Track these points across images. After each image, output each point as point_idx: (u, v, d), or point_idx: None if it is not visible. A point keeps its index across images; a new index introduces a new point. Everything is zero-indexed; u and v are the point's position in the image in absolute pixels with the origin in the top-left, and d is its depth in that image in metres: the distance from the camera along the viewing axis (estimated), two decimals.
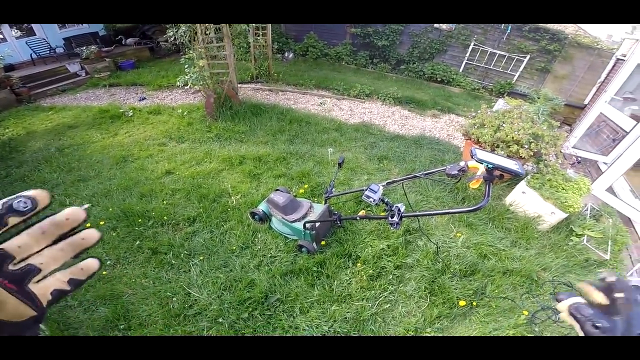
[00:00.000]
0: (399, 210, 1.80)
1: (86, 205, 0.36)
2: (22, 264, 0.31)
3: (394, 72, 9.25)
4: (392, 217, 1.79)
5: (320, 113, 6.22)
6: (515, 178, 3.95)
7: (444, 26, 8.39)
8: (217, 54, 5.16)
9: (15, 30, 8.58)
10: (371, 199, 1.88)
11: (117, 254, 2.94)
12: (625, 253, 3.35)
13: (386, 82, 8.05)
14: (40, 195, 0.33)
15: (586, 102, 7.17)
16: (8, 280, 0.29)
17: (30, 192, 0.33)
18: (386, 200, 1.93)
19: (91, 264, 0.37)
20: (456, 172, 1.66)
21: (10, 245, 0.31)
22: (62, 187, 3.99)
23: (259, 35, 7.14)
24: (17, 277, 0.30)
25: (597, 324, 0.41)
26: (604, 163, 4.80)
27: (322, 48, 9.70)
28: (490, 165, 1.52)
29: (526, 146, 3.65)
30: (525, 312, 2.49)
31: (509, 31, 7.73)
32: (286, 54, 9.60)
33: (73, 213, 0.34)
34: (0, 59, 6.01)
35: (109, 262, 2.87)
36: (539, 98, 4.88)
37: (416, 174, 2.05)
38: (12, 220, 0.31)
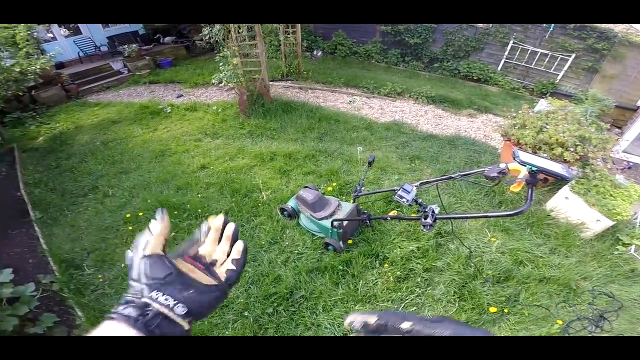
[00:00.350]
0: (432, 212, 1.75)
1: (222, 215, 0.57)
2: (209, 260, 0.52)
3: (427, 70, 9.00)
4: (425, 219, 1.74)
5: (350, 111, 6.20)
6: (558, 182, 3.73)
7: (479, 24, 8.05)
8: (250, 52, 5.28)
9: (64, 30, 9.16)
10: (404, 199, 1.83)
11: None
12: None
13: (419, 81, 7.86)
14: (210, 219, 0.56)
15: (639, 104, 6.62)
16: (202, 265, 0.50)
17: (207, 221, 0.56)
18: (420, 201, 1.88)
19: (239, 245, 0.55)
20: (495, 175, 1.57)
21: (202, 251, 0.52)
22: (106, 178, 4.27)
23: (289, 34, 7.21)
24: (205, 265, 0.50)
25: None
26: None
27: (350, 46, 9.62)
28: (534, 168, 1.43)
29: (572, 149, 3.44)
30: (560, 322, 2.38)
31: (551, 29, 7.27)
32: (315, 52, 9.63)
33: (219, 219, 0.55)
34: (52, 57, 6.47)
35: None
36: (586, 99, 4.54)
37: (452, 175, 1.97)
38: (203, 239, 0.54)
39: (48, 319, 2.31)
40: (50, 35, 8.94)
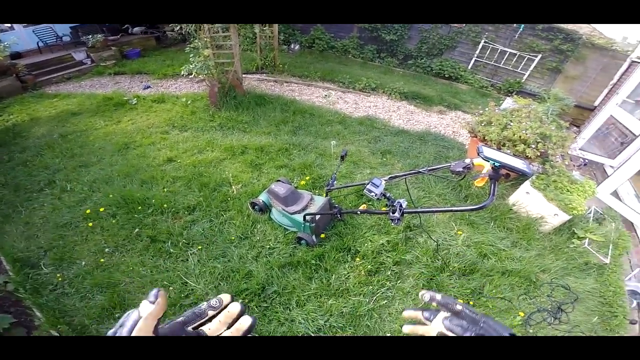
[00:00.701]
0: (400, 206, 1.76)
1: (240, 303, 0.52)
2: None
3: (401, 66, 9.13)
4: (393, 213, 1.75)
5: (325, 105, 6.17)
6: (521, 178, 3.90)
7: None
8: (223, 43, 5.12)
9: None
10: (373, 193, 1.84)
11: (116, 241, 2.94)
12: (625, 258, 3.33)
13: (393, 77, 7.96)
14: (225, 297, 0.52)
15: (596, 103, 7.06)
16: None
17: (220, 295, 0.52)
18: (388, 195, 1.88)
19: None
20: (461, 169, 1.61)
21: (205, 328, 0.49)
22: (64, 172, 3.99)
23: (265, 26, 7.05)
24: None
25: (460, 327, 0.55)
26: (611, 166, 4.72)
27: (328, 40, 9.58)
28: (497, 164, 1.47)
29: (533, 146, 3.58)
30: (522, 314, 2.49)
31: (521, 29, 7.59)
32: (292, 46, 9.51)
33: (236, 306, 0.51)
34: (6, 46, 5.99)
35: (107, 250, 2.86)
36: (549, 98, 4.77)
37: (420, 170, 2.00)
38: (210, 313, 0.50)
39: (4, 320, 2.16)
40: (8, 25, 8.28)
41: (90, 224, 3.09)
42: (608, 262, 3.09)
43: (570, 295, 2.73)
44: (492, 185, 1.51)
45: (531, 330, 2.45)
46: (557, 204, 3.23)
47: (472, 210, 1.56)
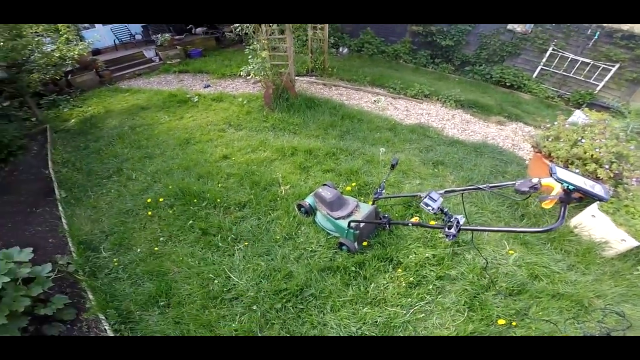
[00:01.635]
0: (457, 222, 1.69)
1: None
2: None
3: (457, 73, 8.73)
4: (449, 229, 1.69)
5: (374, 111, 6.10)
6: (587, 199, 3.54)
7: (518, 28, 7.71)
8: (278, 45, 5.29)
9: None
10: (430, 207, 1.78)
11: (171, 231, 3.16)
12: None
13: (448, 84, 7.64)
14: None
15: None
16: None
17: None
18: (445, 210, 1.82)
19: None
20: (527, 189, 1.50)
21: None
22: (131, 162, 4.41)
23: (317, 29, 7.17)
24: None
25: None
26: None
27: (378, 45, 9.46)
28: (571, 187, 1.35)
29: (606, 166, 3.26)
30: None
31: (596, 36, 6.86)
32: (340, 49, 9.54)
33: None
34: (90, 43, 6.76)
35: (161, 239, 3.08)
36: (629, 112, 4.26)
37: (479, 186, 1.89)
38: None
39: (59, 301, 2.33)
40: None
41: (150, 213, 3.38)
42: None
43: (623, 322, 2.44)
44: (562, 208, 1.41)
45: None
46: (626, 229, 2.93)
47: (536, 232, 1.47)
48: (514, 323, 2.36)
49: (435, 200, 1.79)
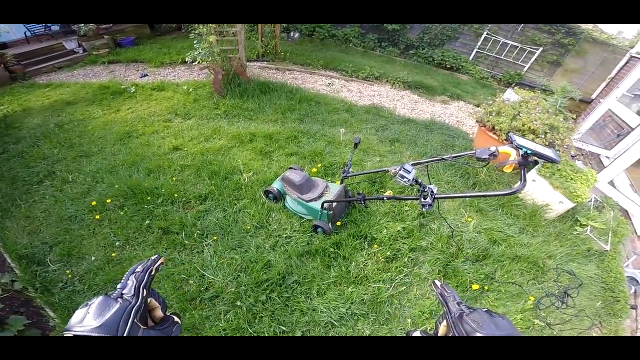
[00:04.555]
0: (432, 191, 1.74)
1: None
2: None
3: (403, 56, 9.07)
4: (424, 199, 1.73)
5: (329, 93, 6.09)
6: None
7: None
8: (227, 30, 4.97)
9: None
10: (405, 179, 1.81)
11: (126, 234, 2.83)
12: (621, 245, 3.44)
13: (395, 66, 7.90)
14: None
15: (593, 96, 7.17)
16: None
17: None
18: (420, 181, 1.86)
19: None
20: (487, 156, 1.62)
21: None
22: (64, 162, 3.85)
23: None
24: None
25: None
26: (607, 157, 4.82)
27: (329, 29, 9.43)
28: (528, 151, 1.49)
29: (542, 136, 3.64)
30: (532, 298, 2.56)
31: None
32: (292, 34, 9.34)
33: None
34: None
35: (117, 244, 2.76)
36: (557, 90, 4.84)
37: (444, 157, 1.99)
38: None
39: (17, 322, 2.03)
40: None
41: (97, 217, 2.98)
42: (608, 249, 3.19)
43: (575, 280, 2.83)
44: (522, 171, 1.53)
45: (543, 314, 2.51)
46: (562, 191, 3.31)
47: (504, 194, 1.57)
48: (485, 287, 2.56)
49: (410, 172, 1.83)
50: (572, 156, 4.99)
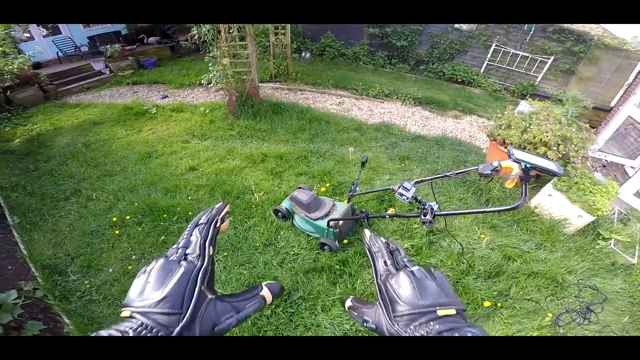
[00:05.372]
0: (432, 209, 1.77)
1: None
2: None
3: (413, 72, 9.16)
4: (424, 216, 1.77)
5: (340, 112, 6.21)
6: (541, 180, 3.87)
7: (464, 27, 8.26)
8: (239, 52, 5.22)
9: (42, 29, 8.80)
10: (404, 197, 1.86)
11: (143, 248, 3.00)
12: None
13: (405, 83, 7.98)
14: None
15: (612, 104, 6.96)
16: None
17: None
18: (419, 198, 1.90)
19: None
20: (489, 172, 1.62)
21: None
22: (89, 181, 4.11)
23: (278, 35, 7.19)
24: None
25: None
26: (631, 167, 4.65)
27: (339, 48, 9.68)
28: (528, 165, 1.48)
29: (554, 148, 3.56)
30: (550, 314, 2.47)
31: (532, 32, 7.55)
32: (303, 54, 9.64)
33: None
34: (30, 56, 6.25)
35: (134, 257, 2.92)
36: (567, 100, 4.73)
37: (447, 174, 2.01)
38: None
39: (34, 327, 2.19)
40: (27, 35, 8.57)
41: (117, 232, 3.18)
42: (635, 262, 3.04)
43: (598, 295, 2.70)
44: (524, 186, 1.52)
45: (562, 331, 2.42)
46: (580, 205, 3.20)
47: (505, 210, 1.57)
48: (498, 304, 2.50)
49: (409, 190, 1.87)
50: (594, 169, 4.85)
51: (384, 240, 0.54)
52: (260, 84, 6.53)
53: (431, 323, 0.40)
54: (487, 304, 2.47)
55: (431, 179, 2.13)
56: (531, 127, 3.80)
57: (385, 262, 0.50)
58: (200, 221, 0.50)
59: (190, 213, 3.30)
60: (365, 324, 0.49)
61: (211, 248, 0.47)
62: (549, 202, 3.44)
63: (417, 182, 2.19)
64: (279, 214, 3.17)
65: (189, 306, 0.40)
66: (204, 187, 3.75)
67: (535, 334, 2.34)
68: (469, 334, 0.38)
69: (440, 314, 0.41)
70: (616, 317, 2.58)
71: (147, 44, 10.12)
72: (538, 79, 7.94)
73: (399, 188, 1.89)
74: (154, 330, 0.37)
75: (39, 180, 4.24)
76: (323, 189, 3.63)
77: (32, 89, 6.96)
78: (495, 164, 1.64)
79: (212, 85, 5.15)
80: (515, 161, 1.55)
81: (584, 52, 7.20)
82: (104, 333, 0.36)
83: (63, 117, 6.26)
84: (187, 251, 0.45)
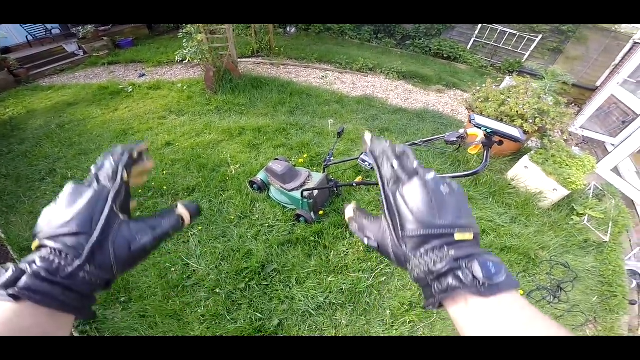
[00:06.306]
0: None
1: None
2: None
3: (399, 47, 9.00)
4: None
5: (322, 86, 6.12)
6: (520, 153, 3.90)
7: None
8: (216, 28, 5.04)
9: None
10: (366, 163, 1.85)
11: None
12: (625, 236, 3.27)
13: (390, 57, 7.86)
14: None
15: (598, 84, 7.00)
16: None
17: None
18: None
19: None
20: (455, 139, 1.61)
21: None
22: (64, 160, 4.01)
23: None
24: None
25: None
26: (612, 144, 4.71)
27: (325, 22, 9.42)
28: (489, 130, 1.47)
29: (531, 121, 3.56)
30: (521, 292, 2.47)
31: None
32: (288, 29, 9.36)
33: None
34: None
35: None
36: (546, 74, 4.72)
37: (415, 142, 2.00)
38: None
39: None
40: None
41: None
42: (608, 240, 3.02)
43: (569, 273, 2.70)
44: (485, 152, 1.51)
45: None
46: (556, 178, 3.19)
47: (465, 176, 1.57)
48: None
49: None
50: (577, 143, 4.90)
51: (389, 142, 0.46)
52: (240, 60, 6.37)
53: (445, 248, 0.35)
54: None
55: None
56: (509, 100, 3.79)
57: (392, 166, 0.42)
58: (116, 150, 0.48)
59: (164, 187, 3.25)
60: (367, 241, 0.43)
61: (125, 172, 0.45)
62: (526, 174, 3.46)
63: None
64: (255, 185, 3.13)
65: (98, 226, 0.38)
66: (179, 162, 3.68)
67: None
68: (490, 265, 0.34)
69: (458, 238, 0.36)
70: (586, 297, 2.59)
71: (123, 24, 9.68)
72: (525, 57, 7.90)
73: (361, 154, 1.87)
74: (62, 254, 0.35)
75: (13, 162, 4.12)
76: (301, 160, 3.59)
77: (2, 74, 6.67)
78: (461, 131, 1.63)
79: (187, 61, 4.99)
80: (475, 126, 1.53)
81: (572, 31, 7.15)
82: (6, 267, 0.34)
83: (36, 100, 6.03)
84: (100, 175, 0.44)
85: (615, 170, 4.17)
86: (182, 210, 0.48)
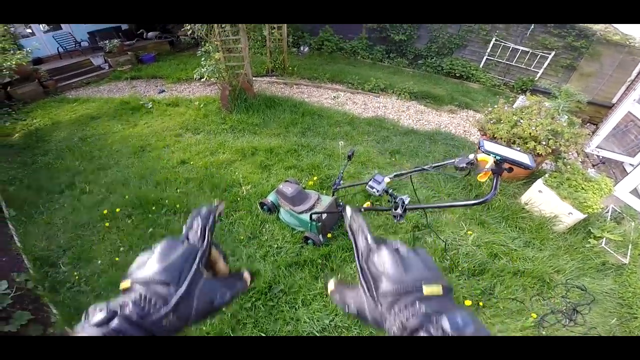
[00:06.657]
0: (402, 202, 1.78)
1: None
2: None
3: (411, 67, 9.06)
4: (395, 209, 1.77)
5: (334, 107, 6.19)
6: (533, 176, 3.83)
7: None
8: (233, 47, 5.23)
9: (43, 25, 8.89)
10: (374, 190, 1.87)
11: (131, 241, 3.05)
12: None
13: (402, 77, 7.91)
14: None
15: (614, 101, 6.84)
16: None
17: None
18: (390, 191, 1.91)
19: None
20: (465, 165, 1.60)
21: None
22: (83, 174, 4.18)
23: (274, 29, 7.16)
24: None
25: None
26: (630, 164, 4.58)
27: (337, 42, 9.59)
28: (498, 157, 1.48)
29: (544, 143, 3.50)
30: (534, 315, 2.42)
31: (532, 27, 7.43)
32: (301, 48, 9.58)
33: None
34: (29, 52, 6.32)
35: (122, 249, 2.97)
36: (560, 94, 4.65)
37: (424, 167, 2.00)
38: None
39: (22, 317, 2.26)
40: (29, 30, 8.66)
41: (107, 224, 3.23)
42: (627, 262, 2.95)
43: (586, 296, 2.63)
44: (495, 179, 1.50)
45: (544, 332, 2.38)
46: (571, 202, 3.12)
47: (473, 204, 1.56)
48: (480, 303, 2.47)
49: (380, 183, 1.87)
50: (594, 164, 4.78)
51: (363, 219, 0.53)
52: (255, 79, 6.54)
53: (417, 304, 0.38)
54: (468, 302, 2.43)
55: (409, 172, 2.13)
56: (521, 121, 3.76)
57: (366, 238, 0.49)
58: (202, 211, 0.54)
59: (177, 205, 3.34)
60: (346, 309, 0.48)
61: (210, 234, 0.51)
62: (540, 198, 3.38)
63: (396, 175, 2.20)
64: (265, 207, 3.19)
65: (186, 280, 0.42)
66: (193, 180, 3.79)
67: (517, 334, 2.30)
68: (458, 319, 0.36)
69: (427, 293, 0.39)
70: (604, 319, 2.52)
71: (146, 39, 10.12)
72: (538, 75, 7.82)
73: (369, 180, 1.89)
74: (152, 301, 0.39)
75: (36, 173, 4.33)
76: (311, 183, 3.65)
77: (32, 85, 7.04)
78: (471, 156, 1.62)
79: (204, 79, 5.17)
80: (484, 152, 1.54)
81: (585, 47, 7.06)
82: (101, 307, 0.39)
83: (61, 111, 6.33)
84: (190, 235, 0.50)
85: (635, 191, 4.02)
86: (247, 275, 0.54)
